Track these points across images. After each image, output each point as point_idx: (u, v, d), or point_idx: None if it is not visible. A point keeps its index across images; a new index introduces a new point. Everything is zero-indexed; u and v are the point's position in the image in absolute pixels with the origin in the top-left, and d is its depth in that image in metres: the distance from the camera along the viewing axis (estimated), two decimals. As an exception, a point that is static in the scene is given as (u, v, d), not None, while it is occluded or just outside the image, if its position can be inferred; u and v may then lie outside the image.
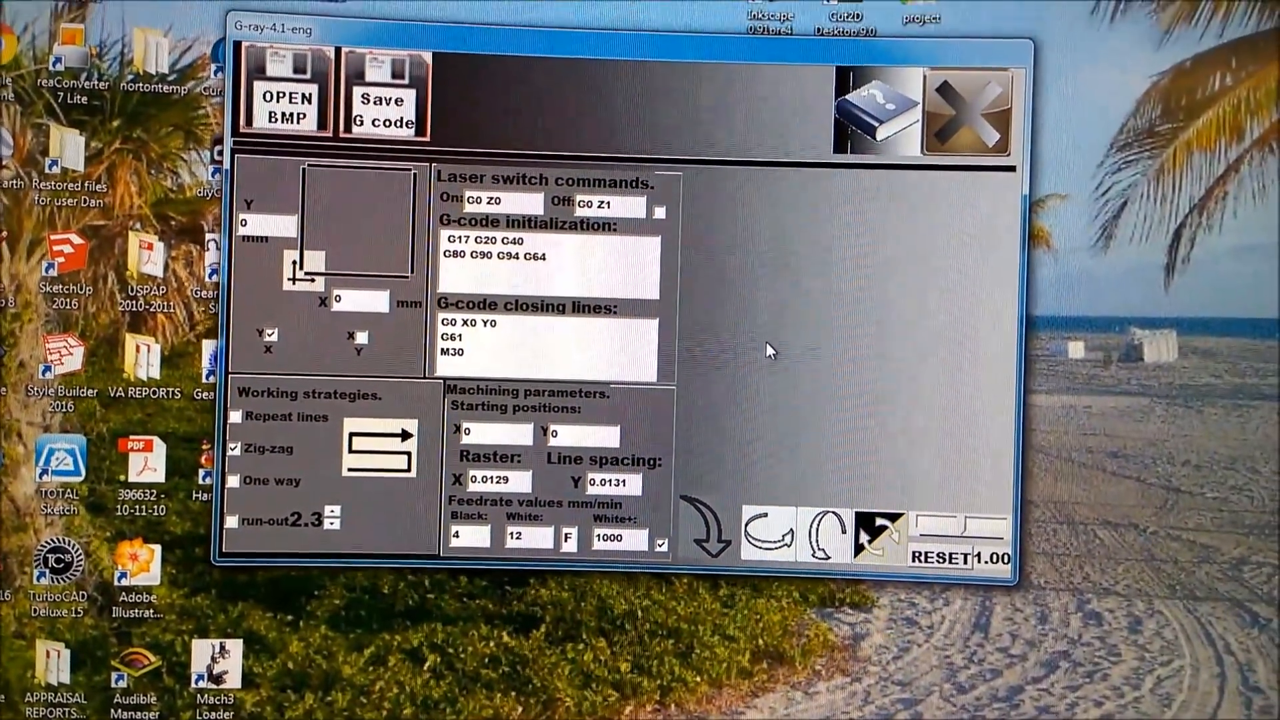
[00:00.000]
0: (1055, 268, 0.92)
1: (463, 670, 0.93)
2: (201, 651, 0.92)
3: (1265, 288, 0.93)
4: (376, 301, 0.91)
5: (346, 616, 0.93)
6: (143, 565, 0.91)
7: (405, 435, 0.91)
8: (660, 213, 0.92)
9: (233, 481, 0.90)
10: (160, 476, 0.91)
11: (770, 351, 0.92)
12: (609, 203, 0.92)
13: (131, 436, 0.91)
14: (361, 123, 0.91)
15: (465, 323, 0.92)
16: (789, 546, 0.92)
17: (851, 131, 0.91)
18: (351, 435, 0.91)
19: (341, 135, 0.91)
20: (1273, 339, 0.93)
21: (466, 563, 0.93)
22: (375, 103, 0.91)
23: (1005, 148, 0.91)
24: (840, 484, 0.92)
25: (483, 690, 0.93)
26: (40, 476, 0.91)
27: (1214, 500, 0.96)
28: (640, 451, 0.92)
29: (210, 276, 0.91)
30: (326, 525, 0.91)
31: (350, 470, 0.91)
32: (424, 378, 0.91)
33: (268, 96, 0.90)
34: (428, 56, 0.91)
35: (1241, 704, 0.93)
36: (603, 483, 0.92)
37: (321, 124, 0.91)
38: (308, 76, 0.90)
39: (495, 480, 0.92)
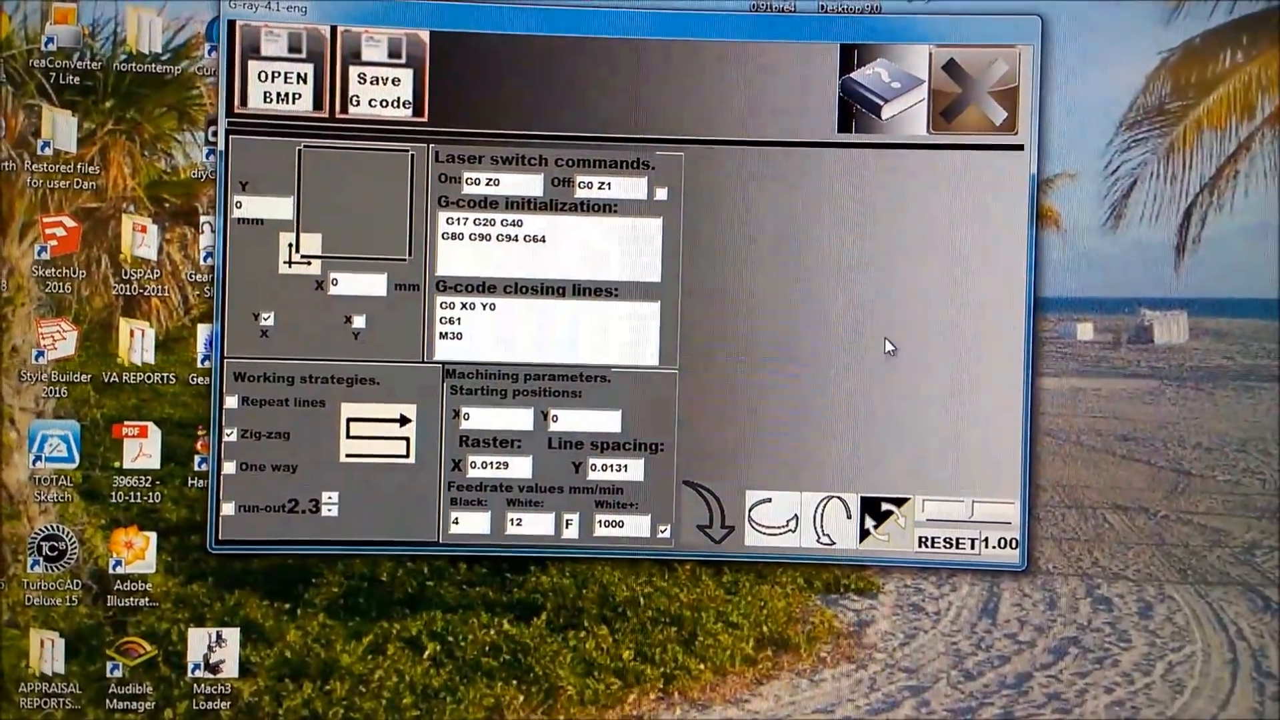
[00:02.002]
0: (1064, 248, 0.91)
1: (463, 659, 0.92)
2: (198, 640, 0.90)
3: (1277, 268, 0.91)
4: (374, 285, 0.90)
5: (345, 604, 0.92)
6: (138, 553, 0.90)
7: (404, 420, 0.90)
8: (662, 194, 0.91)
9: (229, 468, 0.89)
10: (155, 463, 0.90)
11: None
12: (610, 184, 0.90)
13: (126, 422, 0.90)
14: (358, 103, 0.89)
15: (464, 306, 0.90)
16: (793, 532, 0.91)
17: (856, 110, 0.90)
18: (349, 420, 0.90)
19: (338, 116, 0.89)
20: (1284, 320, 0.92)
21: (466, 549, 0.91)
22: (372, 82, 0.89)
23: (1013, 126, 0.90)
24: (845, 468, 0.91)
25: (483, 679, 0.92)
26: (33, 463, 0.89)
27: (1226, 483, 0.95)
28: (642, 436, 0.91)
29: (205, 259, 0.90)
30: (324, 512, 0.90)
31: (348, 456, 0.90)
32: (423, 362, 0.90)
33: (263, 76, 0.89)
34: (425, 35, 0.89)
35: (1254, 690, 0.92)
36: (604, 468, 0.91)
37: (317, 104, 0.89)
38: (303, 56, 0.89)
39: (495, 466, 0.91)
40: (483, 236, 0.90)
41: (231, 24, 0.89)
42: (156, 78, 0.90)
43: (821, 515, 0.91)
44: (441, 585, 0.93)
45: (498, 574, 0.93)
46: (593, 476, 0.91)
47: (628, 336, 0.91)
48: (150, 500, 0.90)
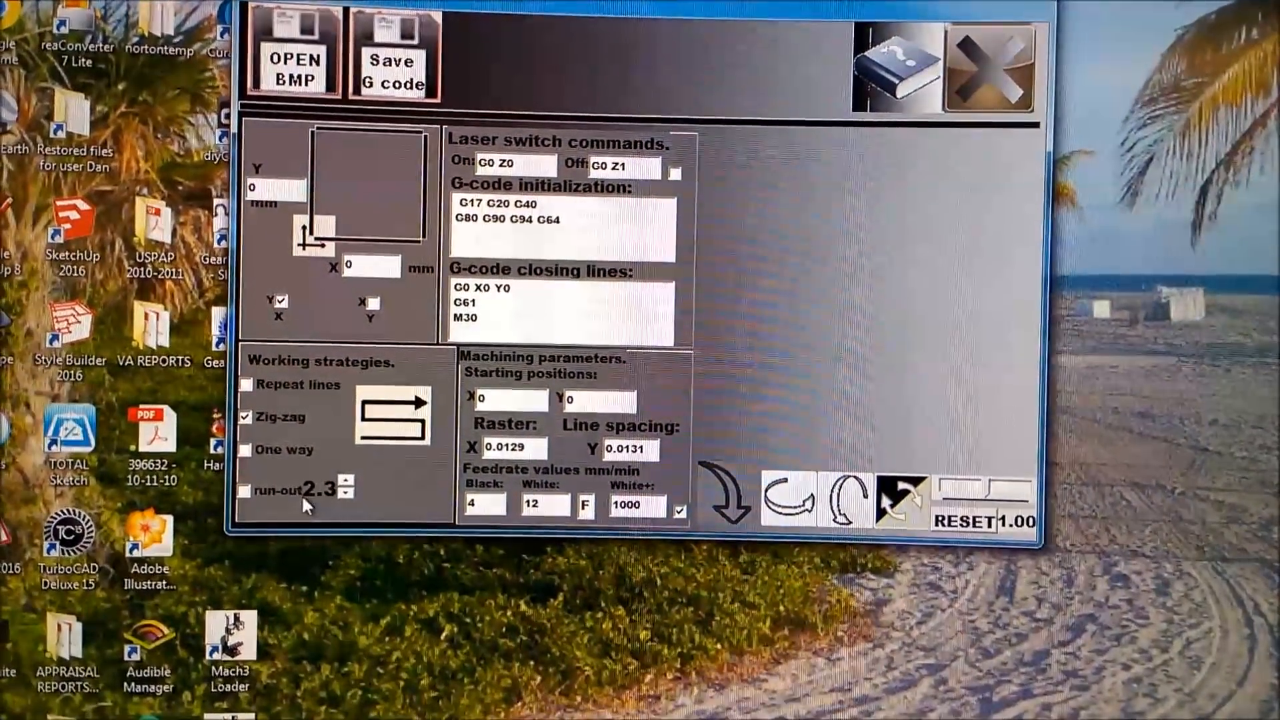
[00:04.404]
0: (1080, 225, 0.91)
1: (480, 640, 0.92)
2: (216, 623, 0.91)
3: (1293, 244, 0.91)
4: (388, 267, 0.90)
5: (362, 587, 0.92)
6: (155, 536, 0.90)
7: (419, 403, 0.90)
8: (676, 174, 0.90)
9: (245, 451, 0.89)
10: (171, 446, 0.90)
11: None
12: (623, 164, 0.90)
13: (141, 405, 0.90)
14: (371, 84, 0.89)
15: (478, 288, 0.90)
16: (810, 512, 0.91)
17: (871, 89, 0.90)
18: (364, 403, 0.90)
19: (351, 97, 0.89)
20: (1301, 296, 0.92)
21: (482, 531, 0.91)
22: (385, 64, 0.89)
23: (1029, 104, 0.90)
24: (862, 448, 0.90)
25: (500, 660, 0.92)
26: (49, 447, 0.89)
27: (1242, 460, 0.95)
28: (658, 417, 0.91)
29: (219, 242, 0.90)
30: (340, 494, 0.90)
31: (363, 439, 0.90)
32: (437, 344, 0.90)
33: (275, 58, 0.89)
34: (438, 16, 0.89)
35: (1272, 666, 0.92)
36: (620, 449, 0.91)
37: (330, 86, 0.89)
38: (315, 37, 0.89)
39: (511, 448, 0.90)
40: (496, 218, 0.90)
41: (244, 6, 0.88)
42: (169, 60, 0.90)
43: (838, 495, 0.91)
44: (458, 567, 0.93)
45: (514, 555, 0.93)
46: (608, 457, 0.91)
47: (642, 317, 0.91)
48: (166, 483, 0.90)
